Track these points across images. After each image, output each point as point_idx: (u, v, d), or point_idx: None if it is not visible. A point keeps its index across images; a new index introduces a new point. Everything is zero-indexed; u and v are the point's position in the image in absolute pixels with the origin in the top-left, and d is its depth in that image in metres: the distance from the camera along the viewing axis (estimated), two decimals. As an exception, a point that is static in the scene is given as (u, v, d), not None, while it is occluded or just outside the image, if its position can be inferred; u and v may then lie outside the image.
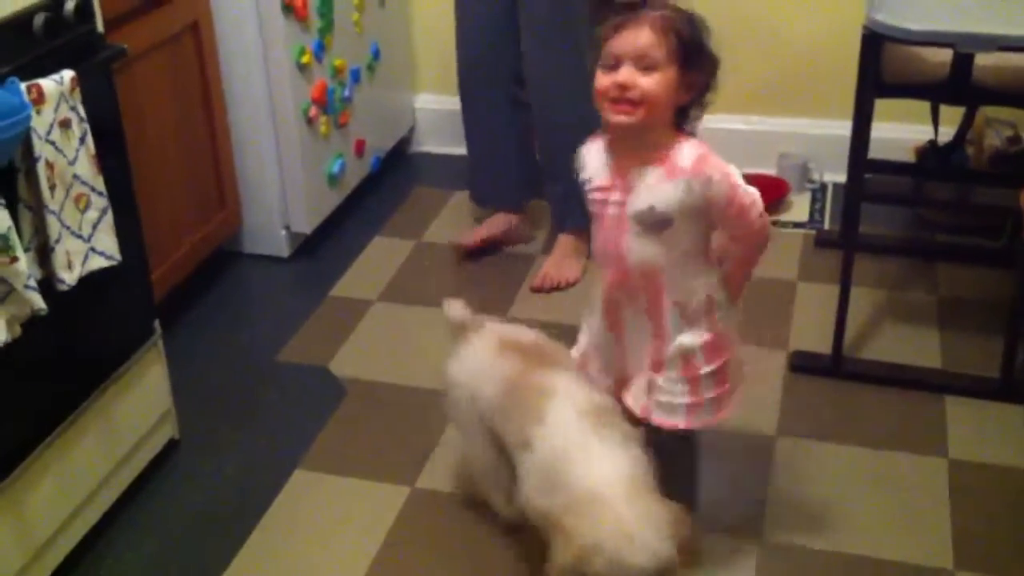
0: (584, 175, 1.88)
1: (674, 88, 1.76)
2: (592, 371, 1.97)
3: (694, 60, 1.77)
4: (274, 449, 2.35)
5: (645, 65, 1.73)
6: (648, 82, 1.73)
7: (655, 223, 1.79)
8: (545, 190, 3.00)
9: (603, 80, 1.76)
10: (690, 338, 1.86)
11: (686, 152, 1.78)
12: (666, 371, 1.88)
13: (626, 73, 1.73)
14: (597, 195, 1.86)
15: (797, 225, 3.15)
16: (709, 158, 1.78)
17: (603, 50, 1.76)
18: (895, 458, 2.28)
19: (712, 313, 1.87)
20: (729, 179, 1.78)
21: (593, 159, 1.87)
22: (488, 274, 2.97)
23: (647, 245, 1.81)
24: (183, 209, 2.70)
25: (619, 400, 1.93)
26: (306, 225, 3.04)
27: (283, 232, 3.03)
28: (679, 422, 1.90)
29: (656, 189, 1.78)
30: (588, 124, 1.93)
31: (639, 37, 1.73)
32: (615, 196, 1.82)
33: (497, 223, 3.04)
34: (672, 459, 1.88)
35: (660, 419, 1.89)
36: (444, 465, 2.28)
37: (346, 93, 3.09)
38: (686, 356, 1.86)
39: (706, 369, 1.87)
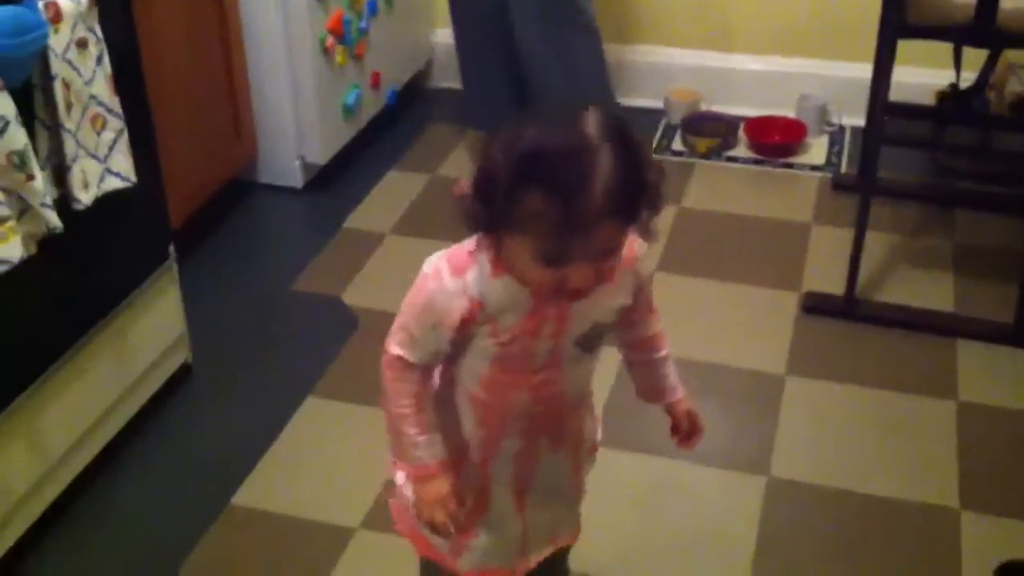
0: (483, 314, 1.31)
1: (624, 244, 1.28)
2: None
3: (648, 196, 1.24)
4: (287, 377, 2.37)
5: (607, 256, 1.24)
6: (604, 267, 1.25)
7: (595, 338, 1.39)
8: None
9: (542, 275, 1.24)
10: (596, 429, 1.58)
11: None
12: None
13: (581, 277, 1.24)
14: (508, 337, 1.32)
15: (814, 168, 3.13)
16: (631, 243, 1.33)
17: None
18: (904, 400, 2.28)
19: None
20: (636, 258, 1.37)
21: (497, 292, 1.30)
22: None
23: (585, 368, 1.43)
24: (198, 138, 2.70)
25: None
26: (321, 156, 3.03)
27: (297, 163, 3.02)
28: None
29: (600, 299, 1.32)
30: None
31: (594, 241, 1.21)
32: (547, 330, 1.34)
33: None
34: None
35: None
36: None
37: (363, 24, 3.07)
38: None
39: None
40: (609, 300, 1.36)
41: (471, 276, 1.31)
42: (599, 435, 1.59)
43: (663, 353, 1.51)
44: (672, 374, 1.53)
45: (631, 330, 1.48)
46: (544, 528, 1.55)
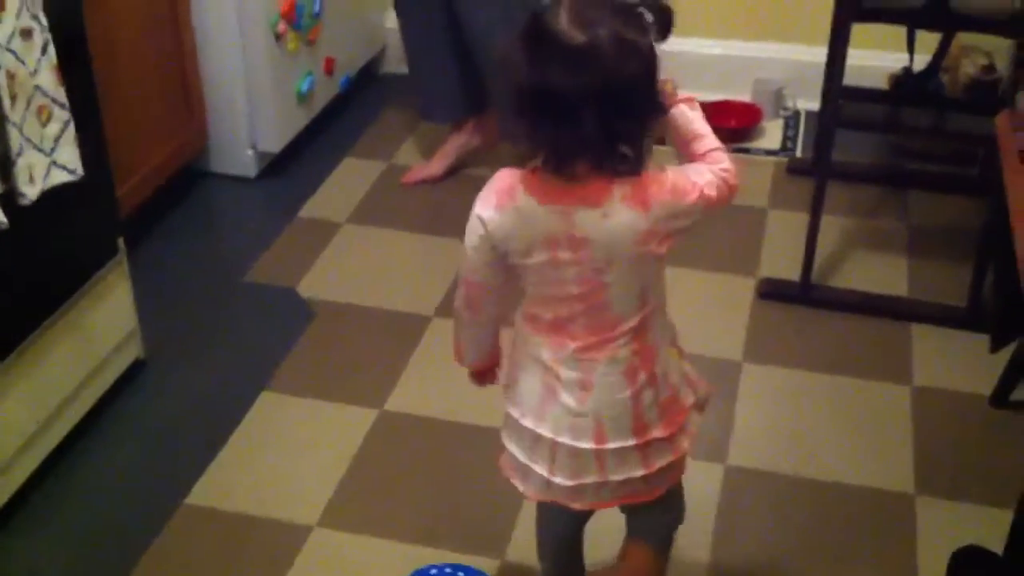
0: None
1: None
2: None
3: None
4: (241, 370, 2.34)
5: None
6: None
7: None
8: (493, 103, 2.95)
9: None
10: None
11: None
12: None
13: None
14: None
15: (769, 152, 3.13)
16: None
17: None
18: (860, 384, 2.29)
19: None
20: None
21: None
22: (457, 195, 2.95)
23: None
24: (149, 126, 2.65)
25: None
26: (274, 144, 2.99)
27: (250, 151, 2.98)
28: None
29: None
30: None
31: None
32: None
33: (441, 158, 3.03)
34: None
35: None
36: (412, 388, 2.28)
37: (316, 9, 3.03)
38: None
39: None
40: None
41: None
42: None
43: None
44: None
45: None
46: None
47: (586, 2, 1.30)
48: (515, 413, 1.51)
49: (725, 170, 1.44)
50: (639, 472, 1.50)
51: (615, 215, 1.35)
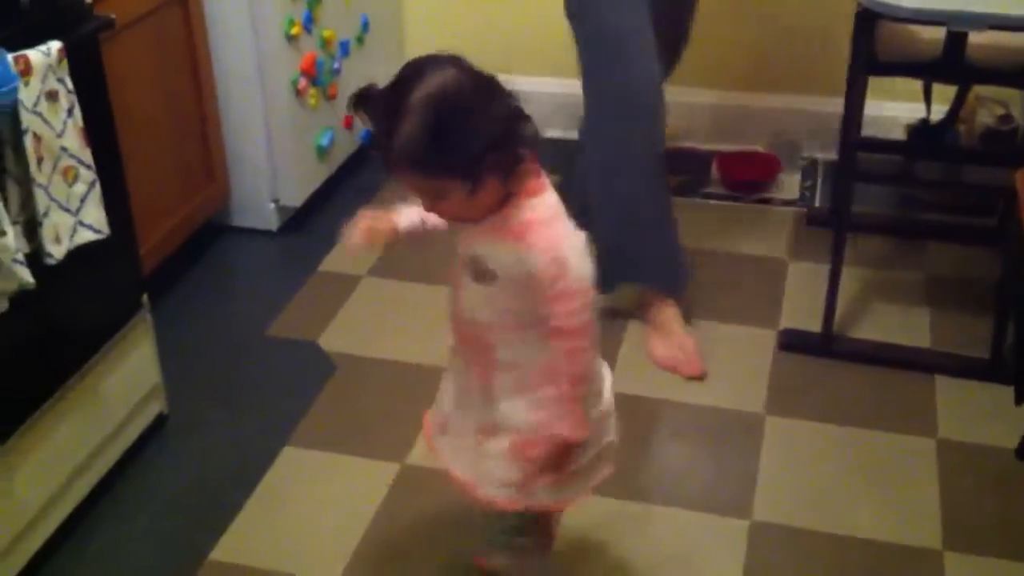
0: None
1: (472, 195, 1.47)
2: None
3: (473, 156, 1.44)
4: (263, 425, 2.34)
5: (429, 198, 1.52)
6: (442, 207, 1.53)
7: (480, 273, 1.56)
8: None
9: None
10: (517, 410, 1.61)
11: (521, 212, 1.51)
12: (491, 440, 1.65)
13: (423, 202, 1.54)
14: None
15: (787, 203, 3.14)
16: (540, 227, 1.50)
17: None
18: (884, 438, 2.28)
19: (548, 385, 1.58)
20: (558, 257, 1.49)
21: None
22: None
23: (475, 295, 1.59)
24: (171, 182, 2.68)
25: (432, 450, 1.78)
26: (295, 198, 3.02)
27: (272, 205, 3.01)
28: (501, 499, 1.67)
29: (482, 240, 1.55)
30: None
31: (403, 180, 1.49)
32: (463, 244, 1.60)
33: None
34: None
35: (486, 494, 1.68)
36: (434, 442, 2.28)
37: (335, 65, 3.07)
38: (510, 428, 1.62)
39: (535, 450, 1.59)
40: (493, 248, 1.53)
41: None
42: (521, 420, 1.60)
43: (542, 393, 1.58)
44: (535, 416, 1.60)
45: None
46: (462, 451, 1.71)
47: None
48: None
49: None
50: None
51: None
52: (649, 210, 2.49)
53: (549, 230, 1.50)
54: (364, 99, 1.49)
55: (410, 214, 1.68)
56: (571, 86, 2.53)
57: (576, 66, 2.42)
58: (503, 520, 1.79)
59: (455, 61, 1.48)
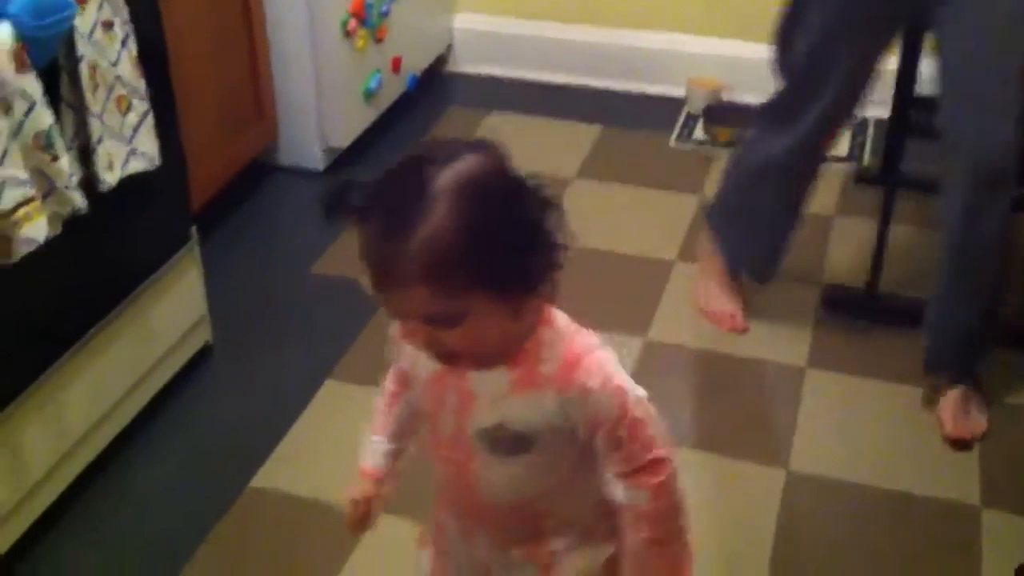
0: (401, 364, 1.31)
1: (498, 316, 1.10)
2: None
3: (512, 263, 1.07)
4: (306, 359, 2.37)
5: (438, 325, 1.10)
6: (453, 337, 1.11)
7: (510, 445, 1.18)
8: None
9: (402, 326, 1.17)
10: (590, 556, 1.28)
11: (549, 347, 1.15)
12: None
13: (422, 333, 1.12)
14: (419, 392, 1.27)
15: (837, 159, 3.11)
16: (583, 357, 1.15)
17: None
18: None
19: (610, 516, 1.23)
20: (619, 387, 1.15)
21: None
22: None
23: (499, 472, 1.21)
24: (220, 119, 2.69)
25: None
26: (342, 139, 3.03)
27: (319, 146, 3.02)
28: None
29: (506, 402, 1.17)
30: None
31: (408, 302, 1.09)
32: (451, 401, 1.21)
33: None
34: None
35: None
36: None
37: (384, 8, 3.06)
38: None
39: None
40: (527, 406, 1.15)
41: None
42: (592, 555, 1.27)
43: (636, 536, 1.20)
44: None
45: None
46: None
47: None
48: None
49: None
50: None
51: None
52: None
53: (592, 357, 1.16)
54: (349, 192, 1.12)
55: (374, 452, 1.40)
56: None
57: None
58: None
59: (475, 146, 1.11)
